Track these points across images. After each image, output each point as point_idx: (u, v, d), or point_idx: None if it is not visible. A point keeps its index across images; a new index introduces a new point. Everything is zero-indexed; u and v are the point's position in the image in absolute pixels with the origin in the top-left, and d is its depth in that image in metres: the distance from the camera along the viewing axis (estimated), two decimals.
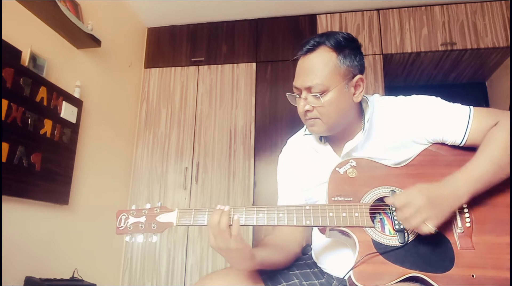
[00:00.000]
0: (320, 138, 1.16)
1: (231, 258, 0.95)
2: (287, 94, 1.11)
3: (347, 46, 1.05)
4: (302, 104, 1.05)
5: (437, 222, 0.90)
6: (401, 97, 1.13)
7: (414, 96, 1.11)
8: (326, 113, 1.04)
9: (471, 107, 1.05)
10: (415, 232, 0.95)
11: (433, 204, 0.90)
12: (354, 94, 1.06)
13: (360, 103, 1.11)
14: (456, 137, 1.02)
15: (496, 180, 0.95)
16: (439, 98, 1.09)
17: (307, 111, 1.05)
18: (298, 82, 1.06)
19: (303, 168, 1.18)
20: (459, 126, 1.02)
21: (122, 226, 1.03)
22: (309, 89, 1.03)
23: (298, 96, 1.08)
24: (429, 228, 0.88)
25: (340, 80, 1.03)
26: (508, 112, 1.02)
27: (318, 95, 1.02)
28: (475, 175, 0.93)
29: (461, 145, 1.03)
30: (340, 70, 1.03)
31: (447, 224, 0.94)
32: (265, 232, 2.54)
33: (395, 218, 0.96)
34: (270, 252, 1.07)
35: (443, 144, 1.05)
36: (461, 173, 0.95)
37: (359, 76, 1.06)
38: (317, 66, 1.02)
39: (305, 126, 1.19)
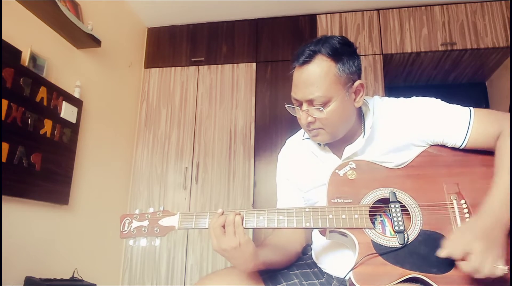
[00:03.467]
0: (319, 143, 1.15)
1: (235, 259, 0.94)
2: (287, 105, 1.08)
3: (344, 52, 1.02)
4: (304, 117, 1.03)
5: (503, 258, 0.84)
6: (401, 99, 1.12)
7: (414, 98, 1.10)
8: (330, 123, 1.03)
9: (471, 108, 1.04)
10: (414, 232, 0.95)
11: (491, 242, 0.84)
12: (354, 99, 1.05)
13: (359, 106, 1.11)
14: (456, 140, 1.02)
15: None
16: (438, 100, 1.08)
17: (310, 122, 1.04)
18: (298, 94, 1.03)
19: (303, 170, 1.18)
20: (459, 128, 1.01)
21: (125, 230, 1.04)
22: (310, 102, 1.01)
23: (298, 108, 1.06)
24: (503, 269, 0.83)
25: (341, 89, 1.01)
26: (508, 115, 1.01)
27: (321, 108, 1.00)
28: (507, 196, 0.90)
29: (461, 148, 1.02)
30: (341, 79, 1.01)
31: (448, 224, 0.95)
32: (265, 233, 2.54)
33: (394, 219, 0.96)
34: (272, 252, 1.06)
35: (443, 146, 1.05)
36: (495, 196, 0.91)
37: (359, 81, 1.05)
38: (317, 78, 0.99)
39: (303, 130, 1.18)
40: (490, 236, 0.85)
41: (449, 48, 2.74)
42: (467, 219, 0.95)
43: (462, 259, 0.84)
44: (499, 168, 0.94)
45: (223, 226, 0.93)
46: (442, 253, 0.86)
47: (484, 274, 0.83)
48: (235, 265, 0.97)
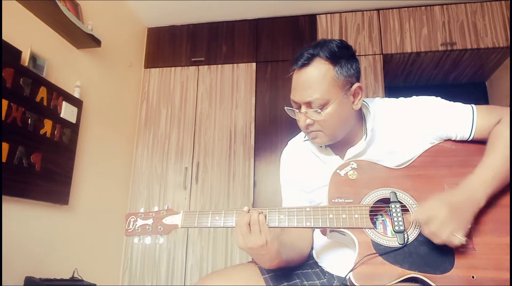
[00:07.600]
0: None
1: (260, 257, 0.96)
2: (286, 108, 1.10)
3: (342, 55, 1.03)
4: (303, 119, 1.04)
5: (464, 231, 0.88)
6: (401, 99, 1.13)
7: (414, 97, 1.11)
8: (328, 125, 1.03)
9: (472, 105, 1.06)
10: (414, 232, 0.95)
11: (456, 214, 0.88)
12: (353, 102, 1.06)
13: (360, 108, 1.11)
14: (464, 132, 1.03)
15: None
16: (439, 98, 1.10)
17: (309, 125, 1.05)
18: (296, 96, 1.05)
19: (305, 171, 1.18)
20: (465, 119, 1.03)
21: (130, 229, 1.07)
22: (308, 104, 1.02)
23: (297, 110, 1.07)
24: (459, 239, 0.87)
25: (339, 91, 1.02)
26: (508, 109, 1.03)
27: (319, 111, 1.01)
28: (489, 176, 0.93)
29: (469, 139, 1.04)
30: (338, 82, 1.02)
31: None
32: None
33: (395, 219, 0.96)
34: (290, 250, 1.07)
35: (446, 144, 1.05)
36: (475, 175, 0.94)
37: (357, 84, 1.05)
38: (315, 80, 1.01)
39: None
40: (457, 208, 0.89)
41: (449, 48, 2.74)
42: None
43: (426, 223, 0.89)
44: (488, 150, 0.98)
45: (249, 224, 0.94)
46: (410, 217, 0.93)
47: (441, 240, 0.88)
48: (260, 262, 0.99)
